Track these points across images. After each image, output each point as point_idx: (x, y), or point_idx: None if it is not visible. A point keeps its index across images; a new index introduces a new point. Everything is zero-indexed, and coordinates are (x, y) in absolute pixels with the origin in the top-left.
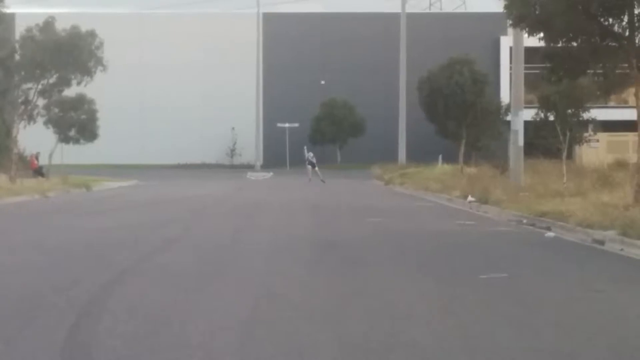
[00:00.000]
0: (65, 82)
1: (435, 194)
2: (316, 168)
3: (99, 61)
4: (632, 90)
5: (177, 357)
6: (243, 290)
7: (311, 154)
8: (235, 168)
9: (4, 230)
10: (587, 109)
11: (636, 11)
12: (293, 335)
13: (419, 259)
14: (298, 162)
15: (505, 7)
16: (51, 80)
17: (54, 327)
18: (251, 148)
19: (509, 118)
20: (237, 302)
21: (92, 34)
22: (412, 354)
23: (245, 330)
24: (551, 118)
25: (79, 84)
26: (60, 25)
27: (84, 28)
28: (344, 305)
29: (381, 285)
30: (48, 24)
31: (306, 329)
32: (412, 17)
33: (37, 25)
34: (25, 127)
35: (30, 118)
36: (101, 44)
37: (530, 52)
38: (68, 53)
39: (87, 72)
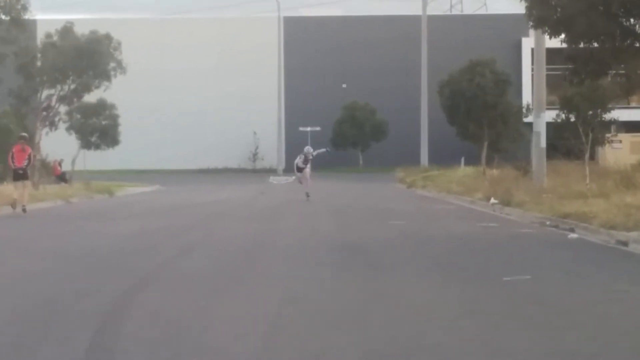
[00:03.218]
0: (85, 88)
1: (458, 196)
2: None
3: (119, 64)
4: None
5: None
6: (264, 295)
7: (311, 150)
8: (257, 172)
9: (27, 236)
10: (609, 110)
11: None
12: (315, 340)
13: (441, 262)
14: (320, 165)
15: (526, 8)
16: (72, 86)
17: (77, 332)
18: (273, 152)
19: (530, 119)
20: (259, 306)
21: (108, 37)
22: (434, 357)
23: (267, 336)
24: (573, 119)
25: (97, 87)
26: (81, 31)
27: (105, 34)
28: (367, 308)
29: (404, 288)
30: (67, 30)
31: (328, 333)
32: (433, 19)
33: (56, 31)
34: (47, 133)
35: (52, 124)
36: (119, 44)
37: (551, 53)
38: (88, 58)
39: (107, 76)
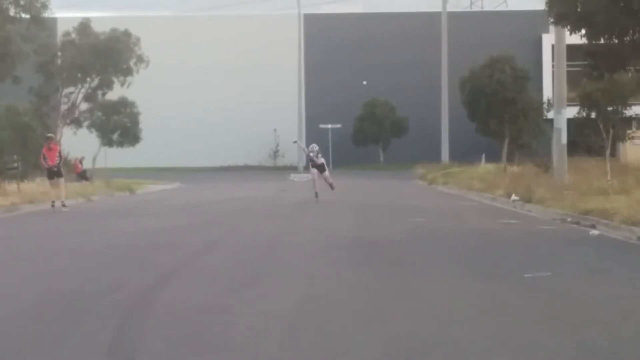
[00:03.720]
0: (107, 84)
1: (479, 193)
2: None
3: (139, 58)
4: None
5: (221, 359)
6: (286, 291)
7: (316, 148)
8: (278, 170)
9: (49, 233)
10: (629, 106)
11: None
12: (336, 336)
13: (462, 258)
14: (340, 162)
15: (547, 5)
16: (93, 84)
17: (99, 330)
18: (294, 149)
19: (550, 115)
20: (280, 303)
21: (126, 33)
22: (454, 354)
23: (289, 332)
24: (593, 115)
25: (122, 85)
26: (101, 29)
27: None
28: (388, 304)
29: (424, 284)
30: (84, 26)
31: (350, 329)
32: (453, 16)
33: (74, 28)
34: (75, 133)
35: (74, 122)
36: (137, 40)
37: (572, 50)
38: (107, 55)
39: (129, 71)
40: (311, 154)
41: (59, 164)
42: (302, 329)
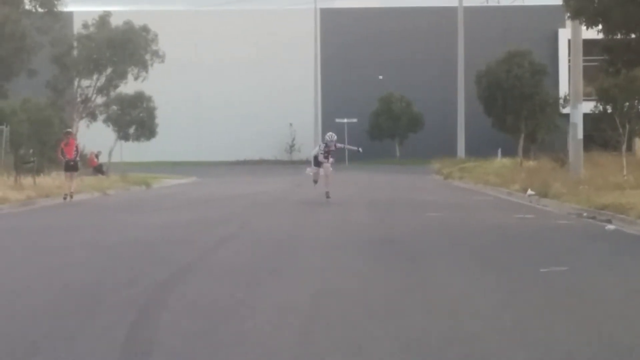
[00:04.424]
0: (120, 76)
1: (495, 187)
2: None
3: (155, 53)
4: None
5: (236, 354)
6: (301, 286)
7: (335, 138)
8: (294, 164)
9: (65, 227)
10: None
11: None
12: (352, 330)
13: (478, 253)
14: (356, 157)
15: (564, 0)
16: (107, 74)
17: (115, 323)
18: (310, 144)
19: (566, 110)
20: (295, 297)
21: (145, 28)
22: (471, 349)
23: (304, 326)
24: (609, 110)
25: (136, 79)
26: (117, 23)
27: (141, 25)
28: (404, 299)
29: (441, 279)
30: (103, 20)
31: (365, 323)
32: (469, 10)
33: (92, 20)
34: (88, 126)
35: (91, 115)
36: (155, 36)
37: (588, 45)
38: (123, 48)
39: (144, 65)
40: (332, 147)
41: (75, 158)
42: (318, 324)
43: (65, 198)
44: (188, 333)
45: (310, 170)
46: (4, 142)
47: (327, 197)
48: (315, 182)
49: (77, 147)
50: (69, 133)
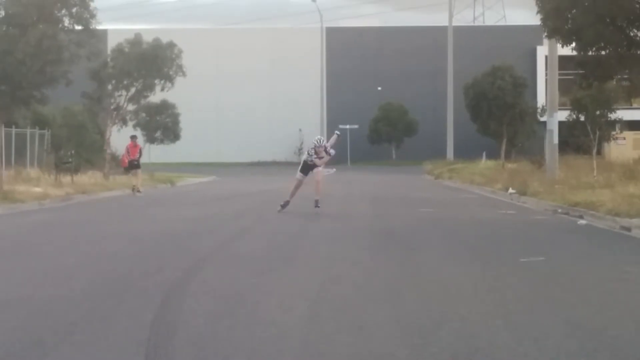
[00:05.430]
0: (149, 88)
1: (480, 186)
2: (319, 170)
3: (179, 68)
4: None
5: (252, 332)
6: (310, 273)
7: (324, 141)
8: None
9: (98, 221)
10: (614, 111)
11: None
12: (355, 313)
13: (466, 245)
14: (357, 159)
15: (542, 20)
16: (138, 86)
17: (144, 306)
18: None
19: (544, 118)
20: (305, 283)
21: (171, 45)
22: (460, 329)
23: (313, 309)
24: (582, 119)
25: (162, 90)
26: (146, 39)
27: (167, 41)
28: (401, 285)
29: (433, 267)
30: (137, 40)
31: (367, 307)
32: (458, 30)
33: (126, 40)
34: (119, 130)
35: (123, 121)
36: (180, 52)
37: (563, 60)
38: (152, 62)
39: (169, 78)
40: (321, 149)
41: (139, 158)
42: (324, 307)
43: (133, 190)
44: (209, 314)
45: (299, 177)
46: (46, 145)
47: (316, 205)
48: (297, 188)
49: (141, 150)
50: (135, 137)
